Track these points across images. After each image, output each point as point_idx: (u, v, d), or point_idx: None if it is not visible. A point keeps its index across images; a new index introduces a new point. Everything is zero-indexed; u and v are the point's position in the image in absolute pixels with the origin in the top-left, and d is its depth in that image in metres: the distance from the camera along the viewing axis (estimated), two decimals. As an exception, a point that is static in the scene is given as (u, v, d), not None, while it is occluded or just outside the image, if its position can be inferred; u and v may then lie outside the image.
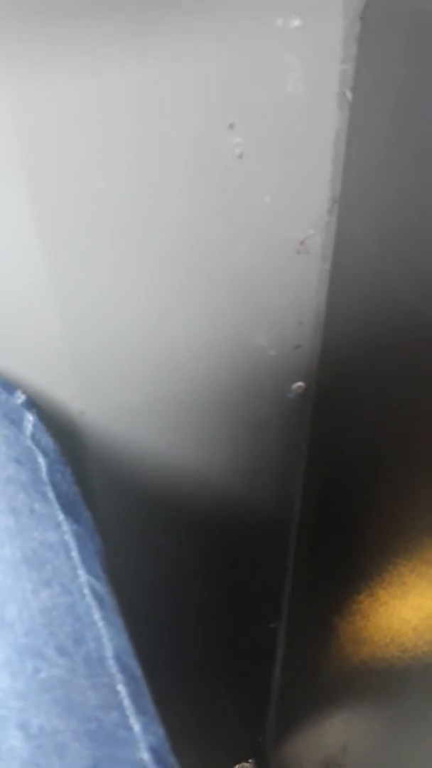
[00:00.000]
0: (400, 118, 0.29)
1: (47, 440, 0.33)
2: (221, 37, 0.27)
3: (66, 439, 0.35)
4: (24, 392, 0.34)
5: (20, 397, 0.33)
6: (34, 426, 0.32)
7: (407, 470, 0.37)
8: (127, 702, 0.23)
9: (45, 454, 0.31)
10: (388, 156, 0.30)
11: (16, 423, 0.31)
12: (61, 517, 0.28)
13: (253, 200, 0.32)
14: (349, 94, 0.30)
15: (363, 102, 0.30)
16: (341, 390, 0.41)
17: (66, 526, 0.28)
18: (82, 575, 0.26)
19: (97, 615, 0.25)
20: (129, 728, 0.22)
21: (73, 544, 0.27)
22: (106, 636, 0.25)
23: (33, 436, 0.31)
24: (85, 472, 0.39)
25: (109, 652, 0.24)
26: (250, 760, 0.97)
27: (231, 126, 0.30)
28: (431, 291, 0.31)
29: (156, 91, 0.28)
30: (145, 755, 0.22)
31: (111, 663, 0.24)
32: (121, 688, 0.24)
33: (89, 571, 0.27)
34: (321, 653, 0.56)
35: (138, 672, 0.25)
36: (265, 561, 0.55)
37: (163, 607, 0.54)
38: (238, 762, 0.97)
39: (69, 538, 0.28)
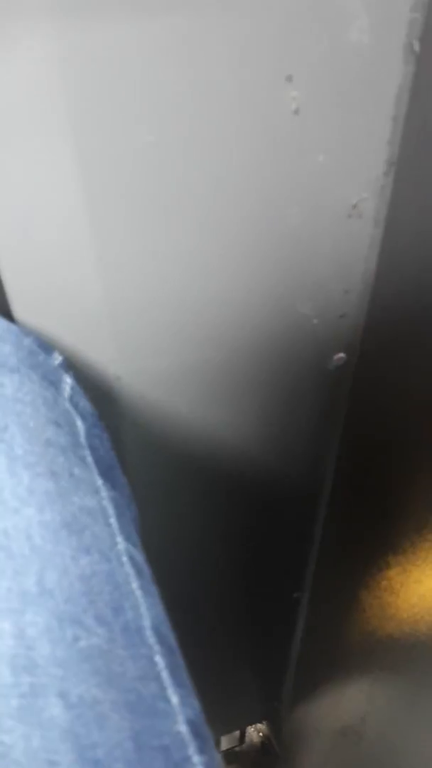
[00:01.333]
0: (470, 73, 0.27)
1: (85, 403, 0.32)
2: (283, -21, 0.25)
3: (101, 404, 0.35)
4: (61, 353, 0.33)
5: (58, 359, 0.33)
6: (72, 388, 0.31)
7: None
8: (165, 674, 0.23)
9: (83, 417, 0.31)
10: (453, 115, 0.28)
11: (55, 384, 0.30)
12: (99, 482, 0.28)
13: (307, 159, 0.30)
14: (417, 46, 0.28)
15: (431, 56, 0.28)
16: (384, 362, 0.39)
17: (104, 492, 0.27)
18: (121, 542, 0.26)
19: (135, 584, 0.25)
20: (167, 700, 0.22)
21: (111, 511, 0.27)
22: (144, 606, 0.24)
23: (71, 399, 0.31)
24: (120, 437, 0.39)
25: (146, 622, 0.24)
26: (263, 722, 0.98)
27: (288, 78, 0.28)
28: None
29: (209, 40, 0.26)
30: (183, 728, 0.22)
31: (149, 633, 0.24)
32: (159, 660, 0.23)
33: (127, 538, 0.27)
34: (343, 625, 0.56)
35: (174, 643, 0.25)
36: (293, 531, 0.55)
37: (188, 572, 0.54)
38: (252, 723, 0.99)
39: (107, 504, 0.27)
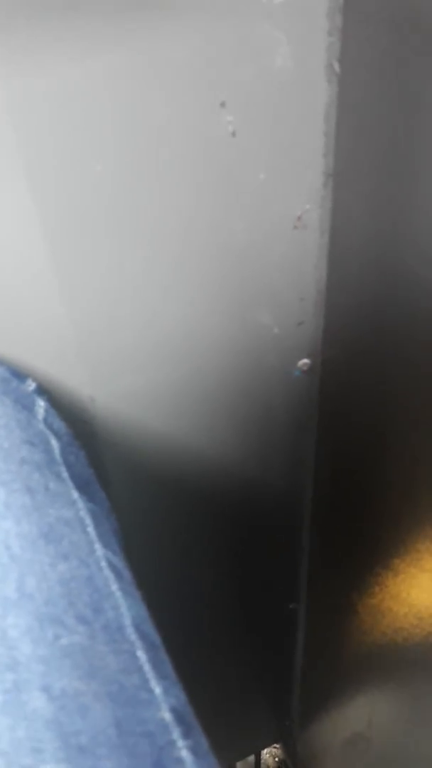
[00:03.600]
0: (386, 87, 0.29)
1: (59, 424, 0.33)
2: (209, 16, 0.28)
3: (78, 425, 0.36)
4: (34, 380, 0.35)
5: (31, 385, 0.34)
6: (46, 411, 0.33)
7: (418, 441, 0.38)
8: (147, 667, 0.24)
9: (58, 437, 0.32)
10: (378, 126, 0.31)
11: (28, 408, 0.32)
12: (75, 495, 0.29)
13: (248, 177, 0.33)
14: (336, 66, 0.30)
15: (351, 73, 0.30)
16: (347, 364, 0.41)
17: (81, 504, 0.29)
18: (99, 549, 0.27)
19: (114, 586, 0.26)
20: (150, 690, 0.23)
21: (88, 521, 0.28)
22: (125, 606, 0.26)
23: (45, 420, 0.32)
24: (98, 456, 0.40)
25: (127, 621, 0.25)
26: (277, 744, 0.97)
27: (222, 104, 0.30)
28: (430, 259, 0.31)
29: (147, 73, 0.28)
30: (167, 715, 0.23)
31: (130, 631, 0.25)
32: (140, 654, 0.24)
33: (106, 545, 0.28)
34: (342, 630, 0.57)
35: (157, 640, 0.26)
36: (280, 541, 0.56)
37: (178, 593, 0.54)
38: (266, 746, 0.98)
39: (84, 514, 0.28)
